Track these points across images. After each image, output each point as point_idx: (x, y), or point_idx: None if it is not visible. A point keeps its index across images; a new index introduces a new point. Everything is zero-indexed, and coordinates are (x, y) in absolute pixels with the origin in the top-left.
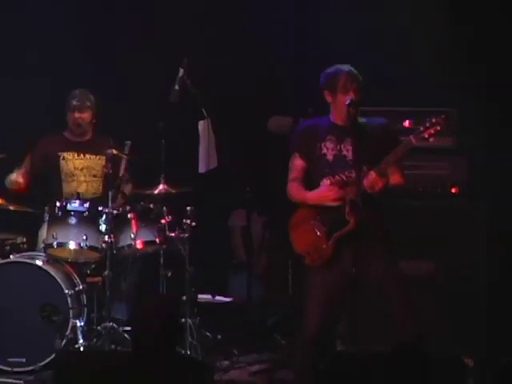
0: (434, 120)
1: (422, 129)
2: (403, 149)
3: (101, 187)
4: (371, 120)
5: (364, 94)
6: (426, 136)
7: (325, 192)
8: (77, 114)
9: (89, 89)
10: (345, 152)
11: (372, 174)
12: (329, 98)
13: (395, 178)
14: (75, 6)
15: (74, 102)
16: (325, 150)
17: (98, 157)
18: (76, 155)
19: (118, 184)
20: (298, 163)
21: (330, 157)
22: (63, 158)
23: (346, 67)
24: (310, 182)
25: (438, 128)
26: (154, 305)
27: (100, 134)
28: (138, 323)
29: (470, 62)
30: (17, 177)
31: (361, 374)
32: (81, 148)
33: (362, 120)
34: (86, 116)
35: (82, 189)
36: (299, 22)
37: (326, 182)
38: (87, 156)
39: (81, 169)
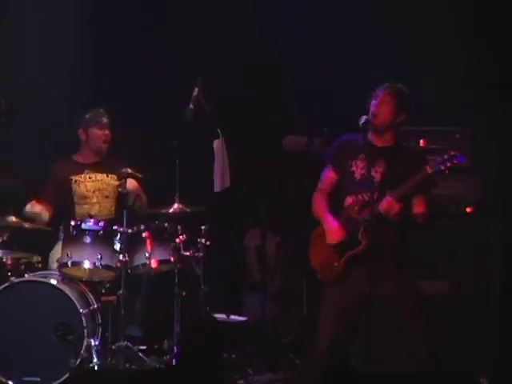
0: (452, 153)
1: (439, 159)
2: (419, 178)
3: (113, 208)
4: (410, 146)
5: (404, 115)
6: (443, 168)
7: (332, 231)
8: (107, 131)
9: (103, 107)
10: (373, 173)
11: (388, 199)
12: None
13: (418, 208)
14: (90, 25)
15: (105, 120)
16: (354, 168)
17: (109, 177)
18: (88, 177)
19: (132, 203)
20: (329, 175)
21: (357, 175)
22: (75, 182)
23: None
24: (336, 197)
25: (455, 162)
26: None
27: (111, 155)
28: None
29: (483, 82)
30: (31, 207)
31: None
32: (92, 170)
33: (403, 144)
34: (110, 134)
35: (94, 210)
36: (316, 43)
37: (348, 199)
38: (98, 177)
39: (93, 191)
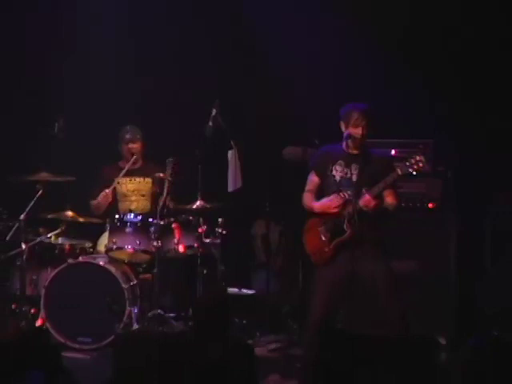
0: (417, 158)
1: (407, 164)
2: (391, 178)
3: (148, 204)
4: (378, 152)
5: (373, 129)
6: (410, 171)
7: (328, 202)
8: (130, 145)
9: (139, 125)
10: (349, 175)
11: (366, 196)
12: (343, 128)
13: (389, 199)
14: (121, 52)
15: (128, 136)
16: (334, 172)
17: (145, 180)
18: (128, 180)
19: (163, 201)
20: (313, 179)
21: (337, 177)
22: (118, 183)
23: (361, 105)
24: (320, 196)
25: (420, 165)
26: (214, 297)
27: (148, 161)
28: (201, 311)
29: (444, 102)
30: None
31: (354, 347)
32: (131, 174)
33: (370, 150)
34: (137, 146)
35: (133, 206)
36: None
37: (332, 197)
38: (137, 180)
39: (132, 190)
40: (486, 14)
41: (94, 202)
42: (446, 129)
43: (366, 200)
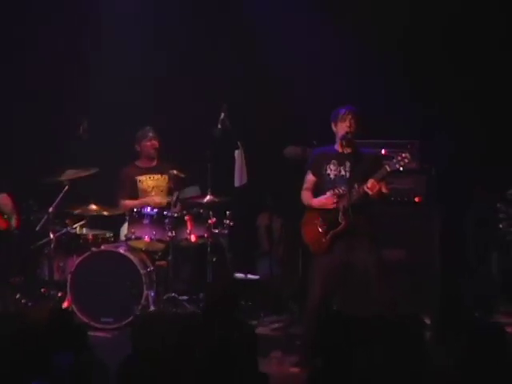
0: (403, 155)
1: (394, 161)
2: (381, 174)
3: (165, 199)
4: (367, 150)
5: (361, 128)
6: (398, 167)
7: (324, 199)
8: (153, 141)
9: (155, 126)
10: (343, 172)
11: (371, 181)
12: (334, 128)
13: (383, 189)
14: (146, 61)
15: (151, 134)
16: (329, 171)
17: (162, 177)
18: (147, 178)
19: (177, 195)
20: (310, 178)
21: (332, 176)
22: (139, 181)
23: (347, 106)
24: (317, 193)
25: (406, 161)
26: (222, 282)
27: (163, 160)
28: (211, 295)
29: (430, 107)
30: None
31: (349, 326)
32: (150, 172)
33: (360, 149)
34: (157, 143)
35: (154, 201)
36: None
37: (328, 193)
38: (155, 177)
39: (152, 187)
40: (485, 14)
41: (123, 203)
42: (432, 126)
43: (372, 184)
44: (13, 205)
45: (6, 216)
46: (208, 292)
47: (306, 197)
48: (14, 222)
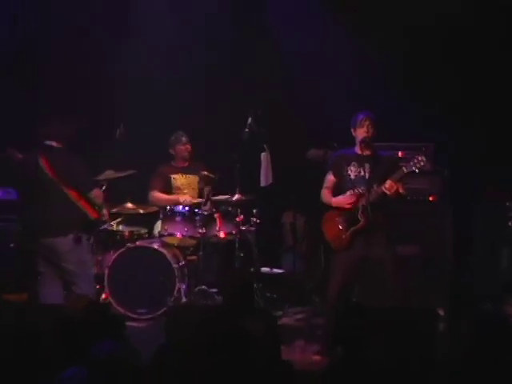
0: (419, 158)
1: (411, 163)
2: (398, 175)
3: (195, 198)
4: (385, 153)
5: (377, 132)
6: (414, 169)
7: (343, 198)
8: (187, 145)
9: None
10: (363, 173)
11: (389, 181)
12: (353, 133)
13: (400, 189)
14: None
15: (184, 139)
16: (349, 172)
17: (194, 177)
18: (181, 176)
19: (207, 194)
20: (330, 178)
21: (352, 176)
22: (173, 179)
23: (365, 111)
24: (337, 192)
25: (422, 164)
26: (240, 275)
27: (195, 161)
28: (230, 287)
29: (446, 110)
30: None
31: (367, 317)
32: (183, 171)
33: (379, 152)
34: (189, 146)
35: (186, 198)
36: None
37: (348, 192)
38: (188, 176)
39: (184, 185)
40: (485, 14)
41: (154, 194)
42: (446, 129)
43: (390, 184)
44: (104, 198)
45: (96, 207)
46: (226, 286)
47: (326, 195)
48: (104, 213)
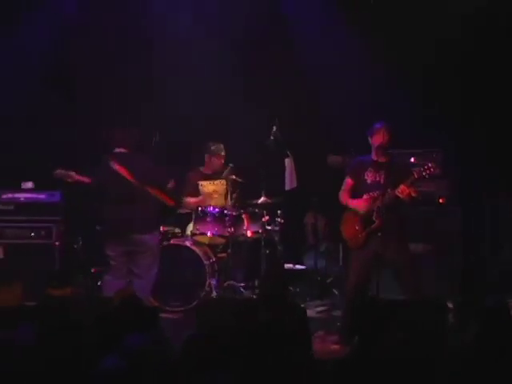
0: (429, 165)
1: (422, 169)
2: (410, 180)
3: (224, 200)
4: (399, 159)
5: (393, 141)
6: (424, 175)
7: (358, 201)
8: (222, 160)
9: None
10: (378, 178)
11: (402, 186)
12: (370, 141)
13: (413, 193)
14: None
15: (223, 153)
16: (366, 177)
17: (221, 181)
18: (208, 182)
19: (235, 197)
20: (348, 181)
21: (369, 181)
22: (201, 185)
23: (381, 122)
24: (354, 195)
25: (432, 170)
26: (274, 272)
27: (223, 167)
28: (266, 282)
29: (453, 119)
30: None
31: (381, 310)
32: (211, 177)
33: (393, 158)
34: (224, 159)
35: (212, 203)
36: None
37: (364, 196)
38: (215, 182)
39: (212, 190)
40: (485, 14)
41: (185, 200)
42: (453, 141)
43: (403, 188)
44: (175, 188)
45: (173, 196)
46: (262, 280)
47: (344, 197)
48: (182, 200)
